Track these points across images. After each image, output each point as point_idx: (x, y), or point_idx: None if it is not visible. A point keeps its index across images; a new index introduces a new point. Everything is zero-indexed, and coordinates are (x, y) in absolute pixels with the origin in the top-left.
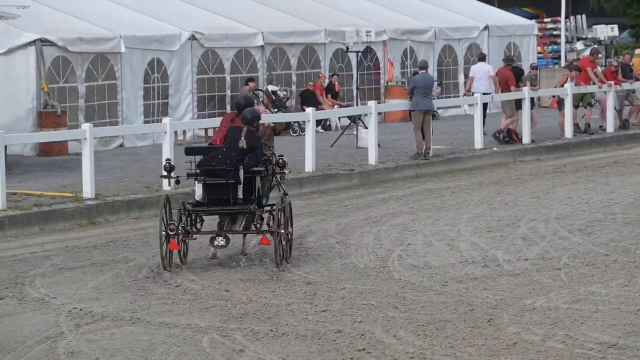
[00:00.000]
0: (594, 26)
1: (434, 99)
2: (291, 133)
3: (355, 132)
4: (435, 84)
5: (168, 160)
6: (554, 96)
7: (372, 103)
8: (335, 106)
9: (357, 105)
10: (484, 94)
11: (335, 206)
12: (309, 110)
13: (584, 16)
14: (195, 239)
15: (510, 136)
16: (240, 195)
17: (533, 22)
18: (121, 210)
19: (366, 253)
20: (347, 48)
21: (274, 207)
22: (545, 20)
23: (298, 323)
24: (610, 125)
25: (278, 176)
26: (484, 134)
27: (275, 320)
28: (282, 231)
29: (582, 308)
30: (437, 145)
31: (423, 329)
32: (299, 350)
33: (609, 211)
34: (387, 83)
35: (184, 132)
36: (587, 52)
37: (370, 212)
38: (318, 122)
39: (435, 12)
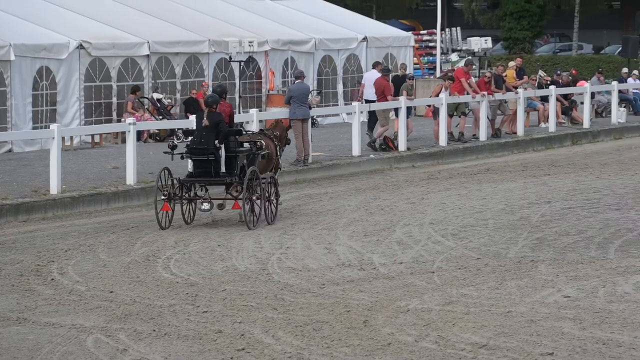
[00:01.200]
0: (469, 38)
1: (313, 107)
2: (175, 140)
3: None
4: (315, 92)
5: (172, 140)
6: (429, 105)
7: (254, 111)
8: None
9: (239, 113)
10: (373, 101)
11: (216, 211)
12: (193, 117)
13: (459, 29)
14: (185, 202)
15: (386, 144)
16: (222, 169)
17: (410, 34)
18: (9, 213)
19: (247, 256)
20: (230, 58)
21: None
22: (422, 32)
23: (180, 323)
24: (483, 134)
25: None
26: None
27: (158, 321)
28: (255, 199)
29: (454, 310)
30: (316, 152)
31: (301, 329)
32: (181, 349)
33: (481, 216)
34: (268, 92)
35: (72, 138)
36: (461, 64)
37: None
38: None
39: (316, 23)
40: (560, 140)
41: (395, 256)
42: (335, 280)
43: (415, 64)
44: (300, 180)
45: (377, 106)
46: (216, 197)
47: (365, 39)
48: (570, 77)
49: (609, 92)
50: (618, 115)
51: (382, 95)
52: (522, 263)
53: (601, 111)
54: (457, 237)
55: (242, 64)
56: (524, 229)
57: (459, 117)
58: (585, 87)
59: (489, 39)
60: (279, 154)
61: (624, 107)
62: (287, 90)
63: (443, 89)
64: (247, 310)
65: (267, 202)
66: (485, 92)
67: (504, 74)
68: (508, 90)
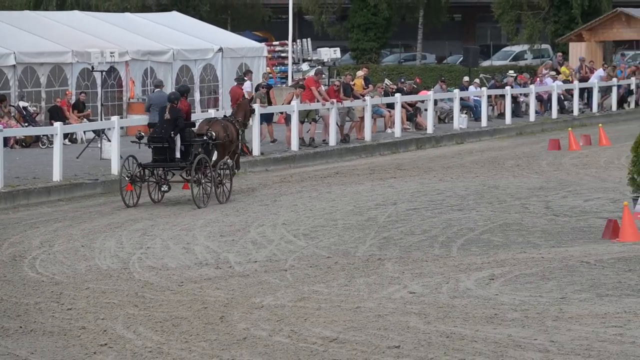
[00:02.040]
0: (319, 49)
1: None
2: (40, 145)
3: (99, 145)
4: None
5: (139, 131)
6: (281, 112)
7: (115, 118)
8: (84, 120)
9: (101, 120)
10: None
11: (80, 213)
12: (57, 124)
13: (309, 40)
14: (145, 183)
15: (242, 149)
16: (177, 155)
17: (263, 44)
18: None
19: (109, 256)
20: (93, 67)
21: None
22: (274, 43)
23: (45, 320)
24: (333, 139)
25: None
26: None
27: (24, 318)
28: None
29: (306, 306)
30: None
31: (161, 325)
32: (47, 345)
33: (331, 217)
34: (129, 100)
35: None
36: (312, 73)
37: (113, 219)
38: (65, 136)
39: (174, 35)
40: (405, 145)
41: (250, 255)
42: (193, 278)
43: (268, 73)
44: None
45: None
46: (173, 180)
47: (220, 49)
48: (415, 85)
49: (451, 100)
50: (459, 121)
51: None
52: (370, 261)
53: (444, 117)
54: (308, 237)
55: (104, 73)
56: (371, 229)
57: (310, 123)
58: (429, 95)
59: (338, 49)
60: (240, 136)
61: (465, 113)
62: (146, 99)
63: (295, 97)
64: (109, 307)
65: (220, 185)
66: (335, 100)
67: (352, 83)
68: (356, 97)
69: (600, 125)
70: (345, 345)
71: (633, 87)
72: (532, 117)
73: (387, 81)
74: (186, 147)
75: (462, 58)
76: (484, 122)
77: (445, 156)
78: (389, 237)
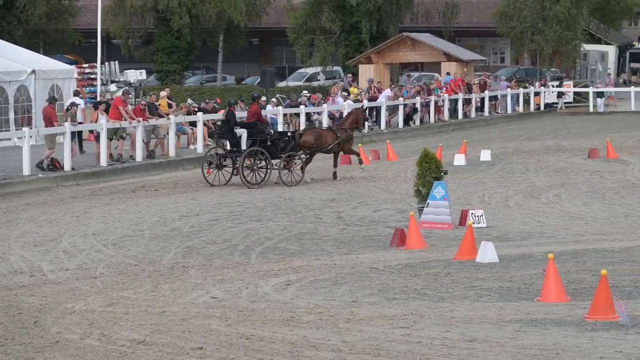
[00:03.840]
0: (126, 71)
1: None
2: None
3: None
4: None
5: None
6: (91, 131)
7: None
8: None
9: None
10: None
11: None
12: None
13: (117, 62)
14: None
15: (53, 164)
16: (243, 147)
17: (73, 67)
18: None
19: None
20: None
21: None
22: (84, 65)
23: None
24: (139, 155)
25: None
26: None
27: None
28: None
29: (115, 310)
30: None
31: None
32: None
33: (138, 228)
34: None
35: None
36: (119, 93)
37: None
38: None
39: None
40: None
41: (62, 264)
42: (9, 286)
43: (78, 93)
44: None
45: (45, 131)
46: (237, 166)
47: (33, 71)
48: (216, 105)
49: None
50: None
51: (49, 122)
52: (174, 268)
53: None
54: (117, 246)
55: None
56: (176, 239)
57: (118, 140)
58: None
59: (144, 71)
60: (340, 140)
61: None
62: None
63: (99, 114)
64: None
65: (287, 170)
66: (141, 118)
67: (157, 102)
68: (161, 116)
69: (388, 141)
70: (152, 347)
71: (418, 105)
72: None
73: (189, 101)
74: (253, 142)
75: (259, 79)
76: None
77: None
78: (192, 246)
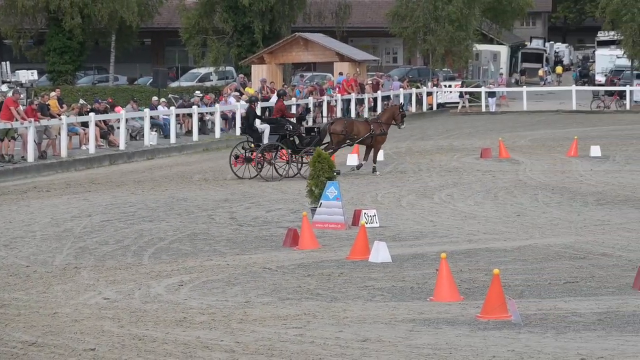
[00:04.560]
0: (17, 71)
1: None
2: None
3: None
4: None
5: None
6: None
7: None
8: None
9: None
10: None
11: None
12: None
13: (8, 63)
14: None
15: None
16: (265, 141)
17: None
18: None
19: None
20: None
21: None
22: None
23: None
24: (31, 156)
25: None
26: None
27: None
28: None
29: (6, 312)
30: None
31: None
32: None
33: (30, 229)
34: None
35: None
36: (11, 93)
37: None
38: None
39: None
40: (99, 161)
41: None
42: None
43: None
44: None
45: None
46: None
47: None
48: (108, 105)
49: (142, 118)
50: (150, 138)
51: None
52: (66, 269)
53: (135, 135)
54: (8, 248)
55: None
56: (68, 240)
57: (9, 140)
58: (121, 114)
59: (35, 72)
60: (371, 134)
61: (155, 131)
62: None
63: None
64: None
65: (295, 164)
66: (32, 119)
67: (48, 103)
68: (52, 117)
69: None
70: (44, 348)
71: (310, 106)
72: (217, 134)
73: (82, 101)
74: (276, 137)
75: (152, 79)
76: (172, 139)
77: (137, 171)
78: (84, 247)
